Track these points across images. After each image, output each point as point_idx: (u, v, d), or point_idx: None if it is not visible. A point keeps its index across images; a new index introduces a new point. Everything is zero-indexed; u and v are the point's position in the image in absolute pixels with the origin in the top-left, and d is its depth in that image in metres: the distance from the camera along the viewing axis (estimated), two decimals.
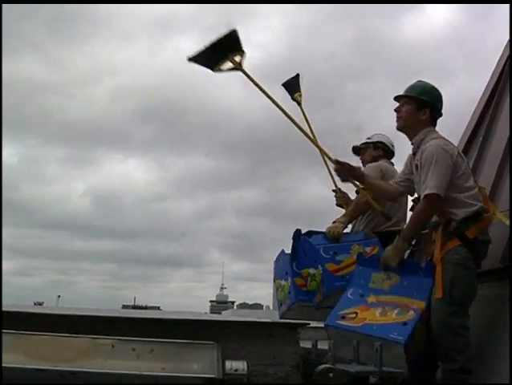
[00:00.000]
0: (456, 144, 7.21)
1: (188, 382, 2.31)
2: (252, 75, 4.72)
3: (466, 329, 4.27)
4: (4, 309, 2.73)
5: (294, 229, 5.43)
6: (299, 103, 5.72)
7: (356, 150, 5.70)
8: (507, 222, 4.63)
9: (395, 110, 4.80)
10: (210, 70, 4.67)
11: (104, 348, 2.46)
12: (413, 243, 5.09)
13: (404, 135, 4.93)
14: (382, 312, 4.67)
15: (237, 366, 2.34)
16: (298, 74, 5.90)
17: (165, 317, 2.86)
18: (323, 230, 5.53)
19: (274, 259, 5.56)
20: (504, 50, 7.11)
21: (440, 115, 4.77)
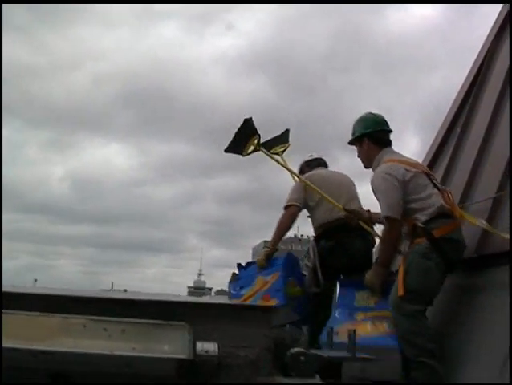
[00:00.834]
0: (436, 133, 7.32)
1: (158, 363, 2.31)
2: (269, 153, 5.98)
3: (421, 313, 4.68)
4: None
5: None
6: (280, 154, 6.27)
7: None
8: (476, 222, 5.08)
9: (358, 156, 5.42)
10: (241, 156, 5.83)
11: (76, 328, 2.46)
12: None
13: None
14: (373, 326, 4.91)
15: (208, 347, 2.35)
16: (288, 130, 6.47)
17: (137, 298, 2.85)
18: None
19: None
20: (484, 45, 7.20)
21: (385, 131, 5.35)
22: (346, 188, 6.01)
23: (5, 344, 2.28)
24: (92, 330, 2.46)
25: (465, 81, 7.54)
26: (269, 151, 6.05)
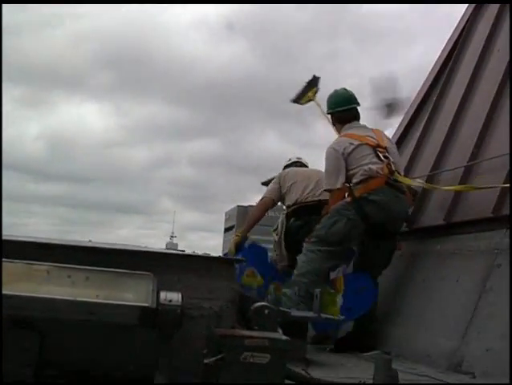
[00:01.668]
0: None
1: (121, 310, 2.31)
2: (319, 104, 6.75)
3: (313, 253, 5.21)
4: None
5: None
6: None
7: None
8: (414, 183, 5.61)
9: None
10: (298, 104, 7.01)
11: (39, 274, 2.44)
12: None
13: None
14: None
15: (172, 297, 2.35)
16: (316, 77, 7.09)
17: (102, 246, 2.84)
18: None
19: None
20: (460, 21, 7.21)
21: (344, 111, 5.84)
22: (314, 180, 6.26)
23: None
24: (56, 276, 2.44)
25: (442, 53, 7.55)
26: (304, 97, 6.98)
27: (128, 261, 2.60)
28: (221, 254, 8.15)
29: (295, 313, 3.85)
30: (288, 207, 6.32)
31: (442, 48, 7.60)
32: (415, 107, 7.40)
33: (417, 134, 6.85)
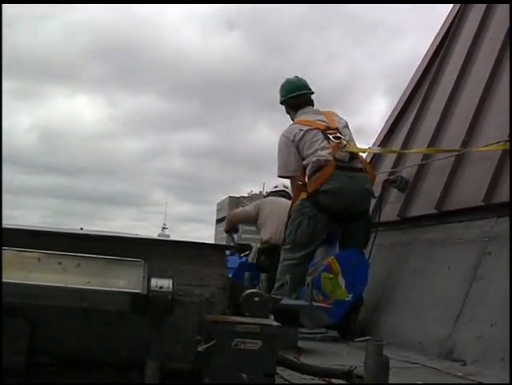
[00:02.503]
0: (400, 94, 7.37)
1: (112, 297, 2.30)
2: None
3: (293, 262, 5.30)
4: None
5: None
6: None
7: None
8: (368, 151, 6.11)
9: None
10: None
11: (30, 261, 2.43)
12: None
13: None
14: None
15: (163, 283, 2.34)
16: None
17: (93, 233, 2.83)
18: None
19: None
20: (449, 15, 7.22)
21: (295, 97, 5.90)
22: (282, 217, 6.25)
23: None
24: (47, 263, 2.44)
25: (434, 41, 7.55)
26: None
27: (119, 249, 2.60)
28: None
29: (286, 301, 3.86)
30: (261, 242, 6.79)
31: (434, 36, 7.59)
32: (407, 95, 7.41)
33: (409, 122, 6.86)
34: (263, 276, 4.62)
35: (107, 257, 2.51)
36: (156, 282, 2.35)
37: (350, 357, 4.33)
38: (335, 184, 5.23)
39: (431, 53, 7.39)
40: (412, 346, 4.72)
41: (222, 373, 2.41)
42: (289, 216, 5.49)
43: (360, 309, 5.51)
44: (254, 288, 5.76)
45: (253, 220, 7.05)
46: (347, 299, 5.28)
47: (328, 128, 5.49)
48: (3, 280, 2.27)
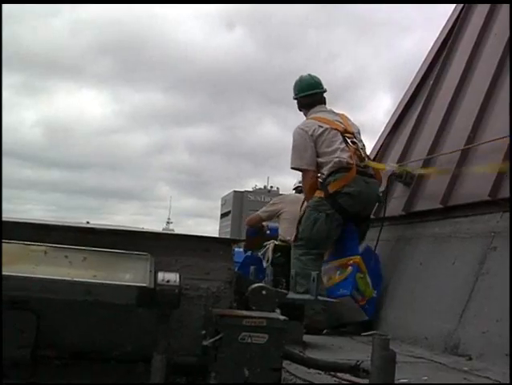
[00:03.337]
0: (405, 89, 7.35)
1: (119, 290, 2.29)
2: None
3: (306, 257, 5.37)
4: None
5: None
6: None
7: None
8: (386, 168, 5.95)
9: None
10: None
11: (37, 254, 2.43)
12: None
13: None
14: (328, 278, 5.30)
15: (170, 277, 2.33)
16: None
17: (100, 227, 2.82)
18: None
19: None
20: (454, 11, 7.21)
21: (310, 95, 5.99)
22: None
23: None
24: (53, 257, 2.43)
25: (439, 37, 7.52)
26: None
27: (126, 242, 2.59)
28: None
29: (292, 295, 3.85)
30: (280, 240, 6.81)
31: (439, 32, 7.57)
32: (412, 90, 7.39)
33: (414, 118, 6.85)
34: (269, 270, 4.62)
35: (114, 250, 2.50)
36: (162, 276, 2.34)
37: (355, 352, 4.34)
38: (356, 188, 5.39)
39: (436, 48, 7.38)
40: (417, 340, 4.73)
41: (229, 367, 2.40)
42: (302, 213, 5.60)
43: None
44: (260, 282, 5.83)
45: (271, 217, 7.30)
46: (374, 296, 5.56)
47: (346, 131, 5.61)
48: (10, 273, 2.28)
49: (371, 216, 6.08)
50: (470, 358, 4.09)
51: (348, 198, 5.40)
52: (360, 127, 5.94)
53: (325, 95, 6.06)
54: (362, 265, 5.55)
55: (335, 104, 6.30)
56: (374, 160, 7.06)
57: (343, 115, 5.92)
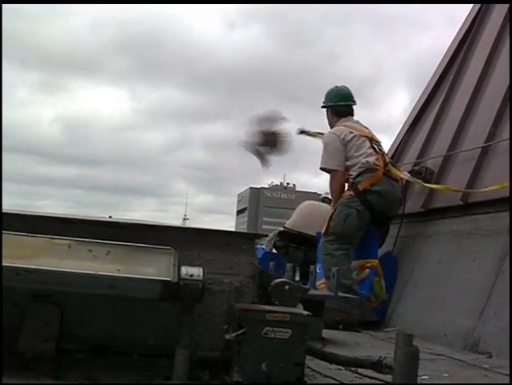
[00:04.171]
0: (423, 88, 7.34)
1: (143, 284, 2.30)
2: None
3: (340, 253, 5.52)
4: None
5: None
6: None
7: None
8: (401, 175, 5.92)
9: None
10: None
11: (61, 248, 2.44)
12: None
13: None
14: None
15: (193, 271, 2.34)
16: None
17: (123, 221, 2.83)
18: None
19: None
20: (472, 9, 7.16)
21: (344, 106, 6.22)
22: (316, 219, 6.68)
23: None
24: (77, 250, 2.44)
25: (459, 32, 7.48)
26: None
27: (149, 236, 2.60)
28: None
29: (313, 292, 3.85)
30: (283, 226, 7.45)
31: (458, 29, 7.53)
32: (431, 86, 7.35)
33: (433, 114, 6.81)
34: (289, 266, 4.61)
35: (137, 244, 2.51)
36: (186, 270, 2.34)
37: (373, 348, 4.33)
38: (384, 187, 5.66)
39: (456, 44, 7.33)
40: (437, 337, 4.70)
41: (251, 361, 2.41)
42: (334, 210, 5.76)
43: None
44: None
45: None
46: (385, 298, 5.79)
47: (373, 139, 5.93)
48: (34, 266, 2.29)
49: None
50: (490, 356, 4.07)
51: (377, 196, 5.64)
52: (377, 125, 6.18)
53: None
54: (379, 269, 5.71)
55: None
56: (393, 156, 7.06)
57: (367, 127, 6.20)
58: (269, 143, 5.96)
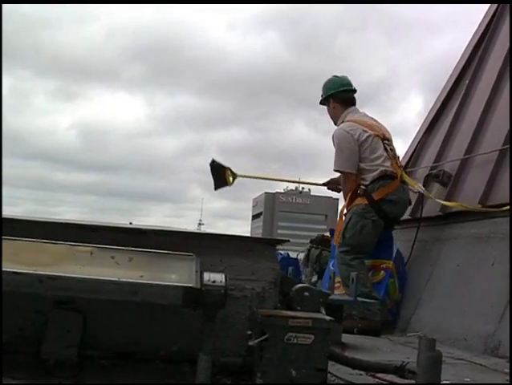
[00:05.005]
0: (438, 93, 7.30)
1: (165, 291, 2.30)
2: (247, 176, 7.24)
3: (355, 261, 5.40)
4: None
5: None
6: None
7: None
8: (415, 186, 5.76)
9: None
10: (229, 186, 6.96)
11: (83, 255, 2.45)
12: None
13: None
14: None
15: (216, 277, 2.34)
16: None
17: (145, 227, 2.84)
18: None
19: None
20: (487, 11, 7.12)
21: (346, 91, 5.90)
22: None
23: (12, 269, 2.25)
24: (99, 257, 2.46)
25: (474, 35, 7.45)
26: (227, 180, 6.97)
27: (171, 242, 2.60)
28: None
29: (333, 297, 3.84)
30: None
31: (474, 32, 7.50)
32: (447, 89, 7.32)
33: (450, 117, 6.78)
34: (307, 271, 4.63)
35: (159, 251, 2.52)
36: (208, 276, 2.34)
37: (393, 353, 4.31)
38: (398, 195, 5.51)
39: (472, 46, 7.30)
40: (456, 342, 4.68)
41: (274, 367, 2.40)
42: (348, 220, 5.57)
43: None
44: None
45: None
46: (398, 299, 5.78)
47: (384, 138, 5.63)
48: (57, 273, 2.29)
49: (408, 217, 6.06)
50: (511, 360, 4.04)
51: (391, 204, 5.50)
52: (393, 129, 6.02)
53: (358, 97, 6.02)
54: (393, 270, 5.68)
55: (368, 107, 6.28)
56: (410, 159, 7.04)
57: (374, 118, 5.92)
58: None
